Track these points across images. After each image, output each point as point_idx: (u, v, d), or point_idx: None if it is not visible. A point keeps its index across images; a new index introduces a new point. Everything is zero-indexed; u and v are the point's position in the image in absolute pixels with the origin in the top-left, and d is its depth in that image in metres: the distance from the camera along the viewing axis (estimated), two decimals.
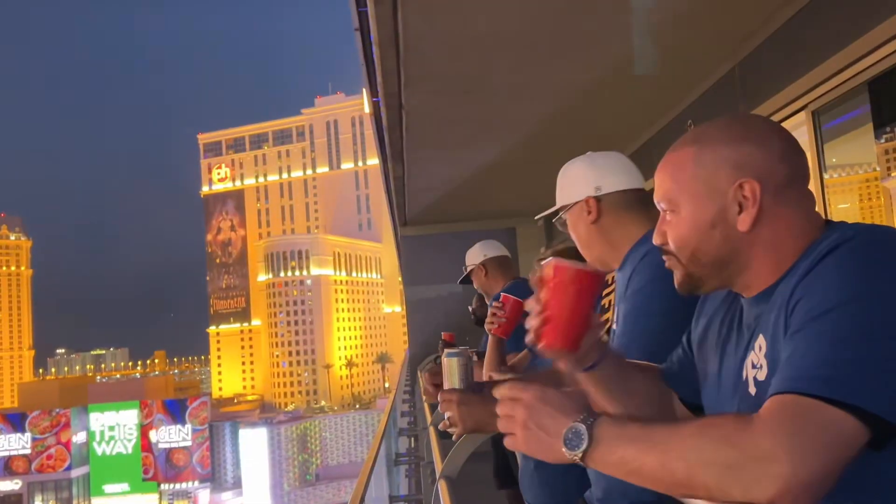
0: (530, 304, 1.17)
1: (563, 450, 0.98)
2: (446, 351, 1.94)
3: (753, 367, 1.05)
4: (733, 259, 1.08)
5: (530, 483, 2.30)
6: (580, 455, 0.97)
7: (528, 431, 1.03)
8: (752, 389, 1.04)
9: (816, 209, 1.10)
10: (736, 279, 1.10)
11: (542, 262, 1.19)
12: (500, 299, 2.82)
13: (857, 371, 0.86)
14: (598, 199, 1.68)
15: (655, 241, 1.17)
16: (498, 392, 1.11)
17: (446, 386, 1.86)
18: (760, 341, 1.04)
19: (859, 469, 0.86)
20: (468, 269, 3.51)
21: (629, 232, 1.66)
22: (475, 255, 3.47)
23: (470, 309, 4.83)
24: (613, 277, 1.77)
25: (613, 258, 1.70)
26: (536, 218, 1.89)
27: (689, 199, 1.10)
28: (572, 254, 1.78)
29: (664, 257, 1.16)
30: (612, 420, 0.97)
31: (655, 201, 1.17)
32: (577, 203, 1.71)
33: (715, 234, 1.08)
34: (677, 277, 1.15)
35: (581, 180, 1.71)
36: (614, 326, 1.67)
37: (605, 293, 1.80)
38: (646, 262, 1.55)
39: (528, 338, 1.17)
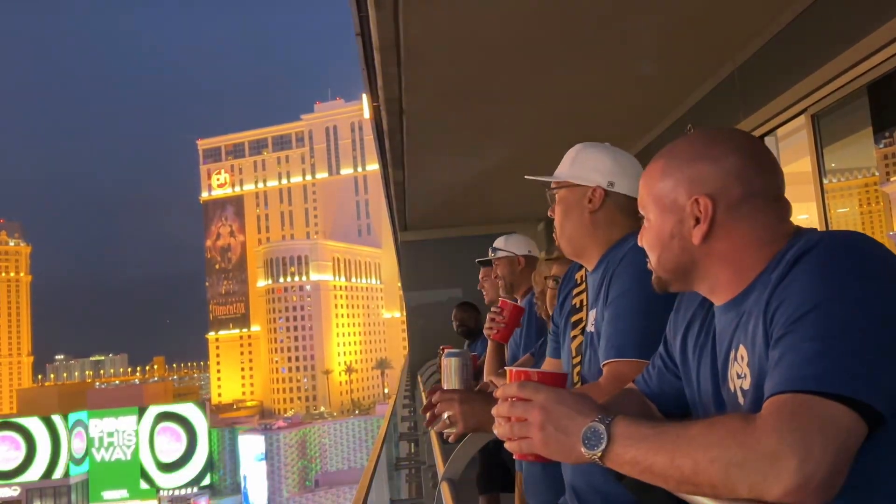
0: (499, 410, 1.11)
1: (583, 449, 1.00)
2: (446, 351, 1.95)
3: (738, 377, 1.07)
4: (692, 268, 1.14)
5: (536, 486, 2.29)
6: (599, 454, 0.98)
7: (546, 433, 1.04)
8: (741, 399, 1.06)
9: (791, 217, 1.12)
10: (699, 284, 1.17)
11: (506, 368, 1.18)
12: (499, 304, 2.82)
13: (845, 364, 0.88)
14: (606, 192, 1.67)
15: (640, 243, 1.24)
16: (503, 391, 1.10)
17: (446, 386, 1.86)
18: (742, 352, 1.06)
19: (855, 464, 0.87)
20: (501, 254, 3.25)
21: (614, 234, 1.65)
22: (519, 245, 3.23)
23: (455, 325, 4.66)
24: (583, 277, 1.77)
25: (590, 255, 1.69)
26: (528, 178, 1.83)
27: (656, 210, 1.17)
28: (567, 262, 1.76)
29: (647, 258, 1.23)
30: (627, 420, 0.99)
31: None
32: (581, 186, 1.68)
33: (674, 245, 1.15)
34: (652, 277, 1.22)
35: (598, 168, 1.68)
36: (589, 328, 1.67)
37: (575, 292, 1.79)
38: (625, 265, 1.55)
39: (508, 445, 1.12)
